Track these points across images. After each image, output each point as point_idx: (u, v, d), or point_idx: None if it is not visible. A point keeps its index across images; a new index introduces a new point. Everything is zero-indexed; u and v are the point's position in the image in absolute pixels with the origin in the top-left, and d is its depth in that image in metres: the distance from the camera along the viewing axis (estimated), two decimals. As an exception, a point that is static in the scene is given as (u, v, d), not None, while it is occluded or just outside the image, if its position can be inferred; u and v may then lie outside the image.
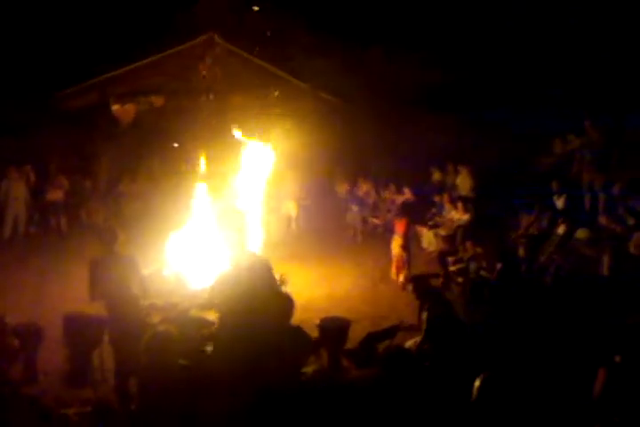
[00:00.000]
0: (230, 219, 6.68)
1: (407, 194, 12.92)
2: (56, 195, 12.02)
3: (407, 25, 14.69)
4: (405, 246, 9.12)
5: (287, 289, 8.65)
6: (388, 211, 12.72)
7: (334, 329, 4.81)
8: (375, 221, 12.48)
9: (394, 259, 9.25)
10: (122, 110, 14.19)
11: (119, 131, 14.17)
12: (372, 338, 5.11)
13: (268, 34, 13.53)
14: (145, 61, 13.52)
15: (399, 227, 9.33)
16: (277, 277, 8.80)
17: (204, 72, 13.43)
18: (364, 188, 13.94)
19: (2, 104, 12.51)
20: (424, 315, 4.88)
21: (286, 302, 4.03)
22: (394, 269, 9.25)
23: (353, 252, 10.91)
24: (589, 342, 4.64)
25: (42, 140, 12.76)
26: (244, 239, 5.26)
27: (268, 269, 4.87)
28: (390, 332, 5.21)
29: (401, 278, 9.06)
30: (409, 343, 4.93)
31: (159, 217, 12.35)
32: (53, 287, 8.56)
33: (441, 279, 8.64)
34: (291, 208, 12.58)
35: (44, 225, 11.98)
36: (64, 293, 8.25)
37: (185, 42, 13.56)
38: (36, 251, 10.46)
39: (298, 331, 4.05)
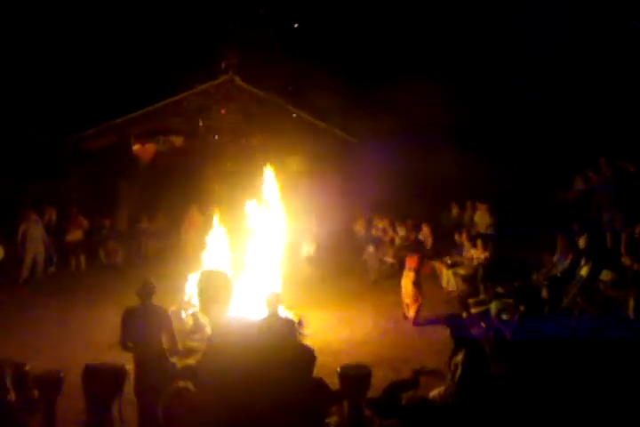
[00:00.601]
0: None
1: (424, 231, 12.88)
2: (76, 235, 12.15)
3: (424, 66, 14.96)
4: (417, 282, 9.09)
5: (305, 332, 8.63)
6: (403, 248, 12.65)
7: (356, 378, 4.71)
8: (389, 259, 12.35)
9: (404, 295, 9.24)
10: (142, 150, 14.48)
11: (139, 170, 14.43)
12: (395, 387, 4.99)
13: (289, 88, 13.76)
14: (165, 102, 13.84)
15: (411, 263, 9.31)
16: (295, 319, 8.79)
17: (223, 112, 13.75)
18: (381, 225, 13.93)
19: (23, 147, 12.84)
20: (455, 361, 4.77)
21: (308, 358, 3.98)
22: (404, 305, 9.23)
23: (370, 292, 10.79)
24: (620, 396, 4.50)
25: (62, 180, 13.02)
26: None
27: (291, 329, 4.95)
28: (413, 381, 5.09)
29: (412, 314, 9.03)
30: (433, 393, 4.81)
31: (178, 256, 12.50)
32: (73, 331, 8.54)
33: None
34: (311, 249, 12.38)
35: (64, 265, 12.06)
36: (84, 337, 8.24)
37: (204, 83, 13.91)
38: (55, 292, 10.48)
39: (319, 383, 3.98)
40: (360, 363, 5.40)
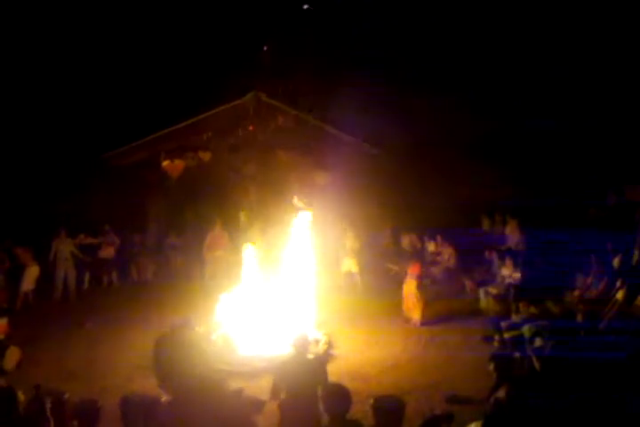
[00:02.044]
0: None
1: (451, 247, 12.75)
2: (108, 252, 12.35)
3: (450, 76, 14.88)
4: (420, 287, 9.90)
5: (335, 352, 8.61)
6: (433, 263, 12.55)
7: (390, 411, 4.65)
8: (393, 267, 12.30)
9: (406, 300, 9.92)
10: (171, 166, 14.64)
11: (168, 186, 14.61)
12: (430, 422, 4.94)
13: (311, 109, 13.78)
14: (194, 119, 14.00)
15: (413, 270, 10.06)
16: (325, 339, 8.78)
17: (250, 128, 13.85)
18: (407, 240, 13.84)
19: (55, 165, 13.13)
20: (496, 396, 4.68)
21: (343, 400, 3.99)
22: (406, 310, 9.92)
23: (398, 310, 10.68)
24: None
25: (93, 198, 13.26)
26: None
27: (322, 367, 5.00)
28: (448, 416, 5.03)
29: (417, 316, 9.77)
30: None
31: (205, 273, 12.62)
32: (105, 351, 8.66)
33: (496, 344, 8.37)
34: (351, 265, 12.01)
35: (96, 282, 12.27)
36: (116, 358, 8.34)
37: (232, 100, 14.03)
38: (88, 310, 10.64)
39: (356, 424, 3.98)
40: (393, 394, 5.36)
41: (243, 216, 13.27)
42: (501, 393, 4.64)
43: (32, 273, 11.02)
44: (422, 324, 9.74)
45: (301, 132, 13.87)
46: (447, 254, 12.37)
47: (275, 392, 5.20)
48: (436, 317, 9.99)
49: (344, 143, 14.50)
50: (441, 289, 11.29)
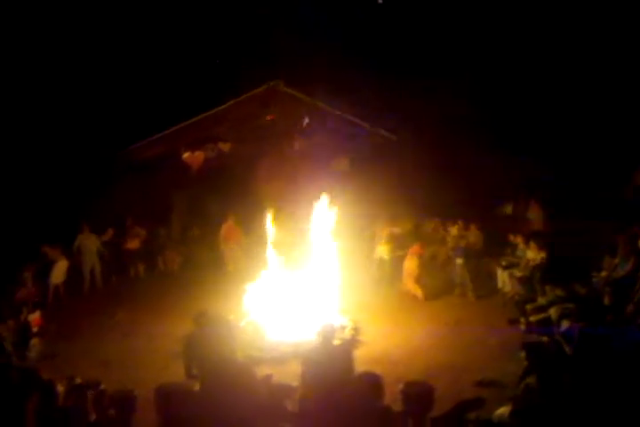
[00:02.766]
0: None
1: (473, 231, 12.70)
2: (134, 244, 12.55)
3: (464, 60, 14.70)
4: (421, 266, 10.66)
5: (359, 337, 8.68)
6: (455, 248, 12.51)
7: (419, 396, 4.70)
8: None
9: (407, 278, 10.54)
10: (191, 158, 14.75)
11: (189, 178, 14.74)
12: (460, 407, 4.98)
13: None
14: (212, 111, 14.04)
15: (415, 250, 10.75)
16: (351, 325, 8.86)
17: (269, 117, 13.86)
18: (430, 225, 13.81)
19: (78, 161, 13.32)
20: (527, 382, 4.70)
21: (377, 389, 4.06)
22: (408, 288, 10.51)
23: (426, 293, 10.69)
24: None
25: (117, 191, 13.44)
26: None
27: (348, 354, 5.06)
28: (478, 401, 5.06)
29: (420, 292, 10.38)
30: (499, 413, 4.78)
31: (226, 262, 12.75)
32: (137, 341, 8.85)
33: (522, 327, 8.37)
34: (383, 252, 11.78)
35: (123, 274, 12.49)
36: (148, 347, 8.53)
37: (250, 89, 14.04)
38: (117, 302, 10.85)
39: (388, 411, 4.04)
40: (422, 379, 5.41)
41: (264, 206, 13.33)
42: (532, 379, 4.65)
43: (61, 267, 11.27)
44: (427, 299, 10.36)
45: (319, 120, 13.83)
46: (472, 238, 12.32)
47: (304, 379, 5.28)
48: (439, 294, 10.61)
49: (363, 130, 14.46)
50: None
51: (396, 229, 12.40)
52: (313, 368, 5.18)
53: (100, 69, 14.33)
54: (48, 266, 11.20)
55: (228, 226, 12.86)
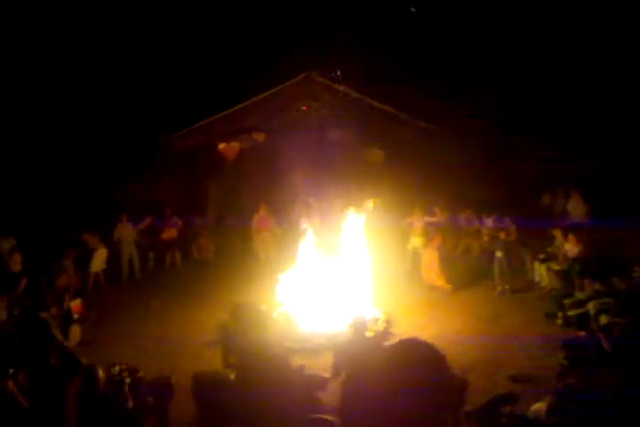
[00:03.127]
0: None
1: (508, 224, 12.49)
2: (171, 233, 12.77)
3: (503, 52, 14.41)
4: (442, 258, 10.52)
5: (391, 330, 8.65)
6: (493, 241, 12.32)
7: (454, 390, 4.67)
8: None
9: (429, 270, 10.34)
10: (227, 148, 14.88)
11: (225, 168, 14.89)
12: (494, 402, 4.93)
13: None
14: (248, 102, 14.11)
15: (435, 242, 10.50)
16: (384, 318, 8.84)
17: (304, 108, 13.85)
18: (464, 217, 13.64)
19: (117, 151, 13.56)
20: (566, 382, 4.61)
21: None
22: (431, 280, 10.35)
23: (461, 288, 10.59)
24: None
25: (155, 182, 13.68)
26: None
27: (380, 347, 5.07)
28: (512, 396, 5.00)
29: (445, 283, 10.24)
30: (534, 409, 4.72)
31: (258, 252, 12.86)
32: (174, 329, 9.02)
33: (559, 322, 8.22)
34: (417, 244, 11.47)
35: (160, 263, 12.73)
36: (184, 335, 8.69)
37: (285, 80, 14.05)
38: (154, 290, 11.06)
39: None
40: (455, 372, 5.37)
41: (297, 197, 13.40)
42: (572, 380, 4.55)
43: (101, 255, 11.55)
44: (454, 291, 10.25)
45: (354, 110, 13.76)
46: (507, 230, 12.12)
47: (335, 371, 5.31)
48: (471, 287, 10.50)
49: (397, 120, 14.32)
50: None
51: (431, 220, 12.26)
52: (345, 361, 5.20)
53: (142, 60, 14.52)
54: (88, 254, 11.49)
55: (259, 216, 12.95)
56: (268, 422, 4.23)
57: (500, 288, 10.29)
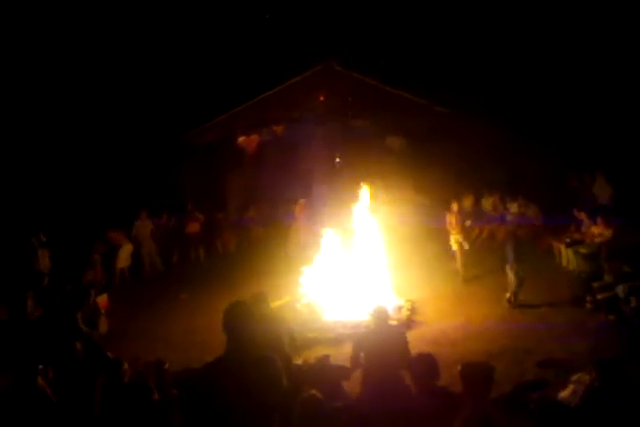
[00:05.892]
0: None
1: (533, 207, 12.28)
2: (193, 228, 12.86)
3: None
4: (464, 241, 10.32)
5: (415, 318, 8.57)
6: (518, 225, 12.11)
7: (479, 377, 4.59)
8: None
9: (459, 254, 10.20)
10: (246, 141, 14.91)
11: (245, 161, 14.91)
12: (523, 388, 4.86)
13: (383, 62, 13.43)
14: (266, 94, 14.07)
15: (455, 223, 10.24)
16: (407, 306, 8.77)
17: (322, 98, 13.76)
18: (490, 201, 13.45)
19: (138, 147, 13.68)
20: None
21: (431, 369, 3.99)
22: (460, 264, 10.20)
23: (485, 275, 10.43)
24: None
25: (176, 176, 13.77)
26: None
27: (402, 336, 5.01)
28: (541, 382, 4.92)
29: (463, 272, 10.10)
30: (563, 394, 4.62)
31: (286, 244, 12.84)
32: (198, 322, 9.06)
33: (588, 306, 8.05)
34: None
35: (185, 257, 12.83)
36: (209, 328, 8.71)
37: (303, 71, 13.96)
38: (179, 283, 11.18)
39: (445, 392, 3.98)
40: (481, 359, 5.29)
41: (319, 188, 13.33)
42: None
43: (126, 251, 11.70)
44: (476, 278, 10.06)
45: (374, 98, 13.61)
46: (533, 214, 11.92)
47: (354, 362, 5.24)
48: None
49: (420, 108, 14.11)
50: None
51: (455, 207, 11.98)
52: (365, 350, 5.14)
53: (162, 56, 14.59)
54: (114, 250, 11.64)
55: (299, 207, 12.79)
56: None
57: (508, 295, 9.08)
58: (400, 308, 8.67)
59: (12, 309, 7.99)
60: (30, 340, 5.97)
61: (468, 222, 11.23)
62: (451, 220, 10.48)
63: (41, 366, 5.43)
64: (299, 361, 5.81)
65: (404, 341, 5.13)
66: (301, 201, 12.72)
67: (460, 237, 10.41)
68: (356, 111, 13.39)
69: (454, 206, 10.60)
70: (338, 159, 11.19)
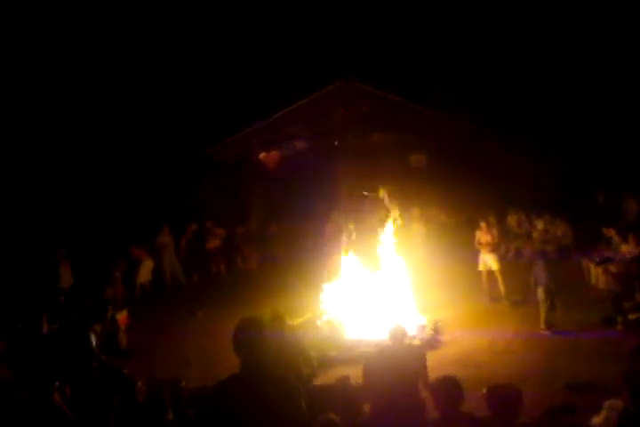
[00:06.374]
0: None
1: (561, 225, 12.00)
2: (214, 244, 12.83)
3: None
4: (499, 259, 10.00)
5: (443, 338, 8.33)
6: (545, 242, 11.85)
7: (506, 400, 4.38)
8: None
9: (488, 274, 9.86)
10: (268, 157, 14.90)
11: (266, 177, 14.90)
12: (551, 413, 4.62)
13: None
14: (287, 109, 14.08)
15: (489, 242, 9.92)
16: (431, 325, 8.55)
17: (343, 113, 13.73)
18: (515, 219, 13.20)
19: (160, 163, 13.78)
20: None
21: (454, 393, 3.81)
22: (487, 284, 9.88)
23: (511, 291, 10.14)
24: None
25: (197, 192, 13.81)
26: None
27: (420, 359, 4.84)
28: (570, 406, 4.68)
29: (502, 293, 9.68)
30: (596, 421, 4.38)
31: (308, 259, 12.71)
32: (219, 339, 8.94)
33: (619, 326, 7.76)
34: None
35: (205, 273, 12.79)
36: (229, 345, 8.61)
37: (322, 87, 13.96)
38: (200, 299, 11.12)
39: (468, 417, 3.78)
40: (508, 382, 5.06)
41: (339, 204, 13.24)
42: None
43: (147, 267, 11.69)
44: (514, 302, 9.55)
45: (394, 114, 13.53)
46: (560, 231, 11.63)
47: (366, 382, 4.98)
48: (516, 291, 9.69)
49: (441, 124, 13.99)
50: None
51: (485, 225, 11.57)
52: (374, 372, 4.91)
53: (181, 75, 14.76)
54: (135, 266, 11.65)
55: (331, 224, 12.65)
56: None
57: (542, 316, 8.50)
58: (423, 327, 8.45)
59: (28, 325, 7.99)
60: (46, 356, 5.92)
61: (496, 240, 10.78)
62: (480, 238, 10.12)
63: (57, 383, 5.37)
64: (318, 382, 5.66)
65: (423, 361, 4.92)
66: (334, 218, 12.52)
67: (490, 257, 10.00)
68: (376, 127, 13.31)
69: (484, 225, 10.24)
70: (366, 193, 10.91)
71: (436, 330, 8.52)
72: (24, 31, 13.45)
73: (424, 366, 4.88)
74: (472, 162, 13.24)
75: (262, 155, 14.80)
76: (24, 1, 13.59)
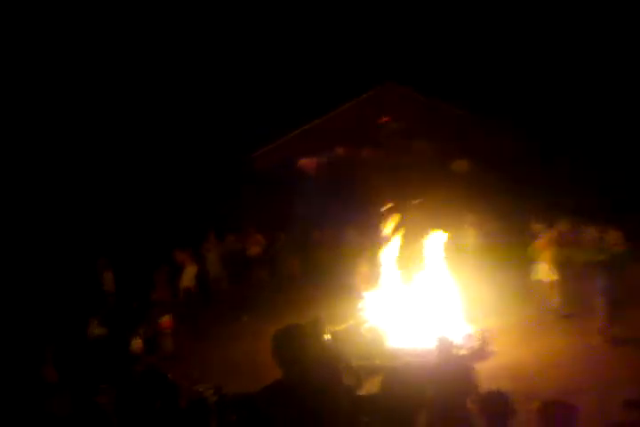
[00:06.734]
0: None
1: (613, 235, 11.49)
2: (255, 250, 12.85)
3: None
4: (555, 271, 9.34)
5: (487, 348, 8.06)
6: (599, 251, 11.37)
7: (560, 418, 4.17)
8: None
9: (541, 284, 9.29)
10: (308, 163, 14.89)
11: (306, 183, 14.89)
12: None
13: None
14: (327, 115, 14.08)
15: (546, 252, 9.43)
16: (478, 336, 8.30)
17: (385, 119, 13.60)
18: (563, 226, 12.74)
19: (202, 170, 13.95)
20: None
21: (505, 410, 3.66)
22: (540, 294, 9.29)
23: (566, 301, 9.73)
24: None
25: (242, 200, 13.91)
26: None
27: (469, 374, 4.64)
28: (628, 425, 4.41)
29: (556, 304, 9.13)
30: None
31: (348, 266, 12.60)
32: (263, 346, 8.92)
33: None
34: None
35: (247, 279, 12.81)
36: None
37: (364, 91, 13.92)
38: (243, 306, 11.16)
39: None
40: (561, 398, 4.83)
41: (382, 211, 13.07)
42: None
43: (190, 272, 11.75)
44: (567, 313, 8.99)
45: (438, 119, 13.34)
46: (613, 239, 11.15)
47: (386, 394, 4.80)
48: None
49: (487, 129, 13.72)
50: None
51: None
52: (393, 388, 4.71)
53: (225, 80, 14.95)
54: (179, 270, 11.76)
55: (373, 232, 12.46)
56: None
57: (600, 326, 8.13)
58: (470, 336, 8.21)
59: (75, 329, 8.14)
60: (91, 360, 6.00)
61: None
62: (538, 246, 9.71)
63: (103, 386, 5.43)
64: (361, 391, 5.52)
65: (473, 379, 4.72)
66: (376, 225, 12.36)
67: (547, 266, 9.50)
68: (418, 132, 13.13)
69: (542, 232, 9.89)
70: (414, 201, 10.72)
71: (484, 340, 8.27)
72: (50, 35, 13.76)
73: (473, 380, 4.71)
74: (518, 169, 12.90)
75: (303, 161, 14.81)
76: (34, 2, 13.88)
